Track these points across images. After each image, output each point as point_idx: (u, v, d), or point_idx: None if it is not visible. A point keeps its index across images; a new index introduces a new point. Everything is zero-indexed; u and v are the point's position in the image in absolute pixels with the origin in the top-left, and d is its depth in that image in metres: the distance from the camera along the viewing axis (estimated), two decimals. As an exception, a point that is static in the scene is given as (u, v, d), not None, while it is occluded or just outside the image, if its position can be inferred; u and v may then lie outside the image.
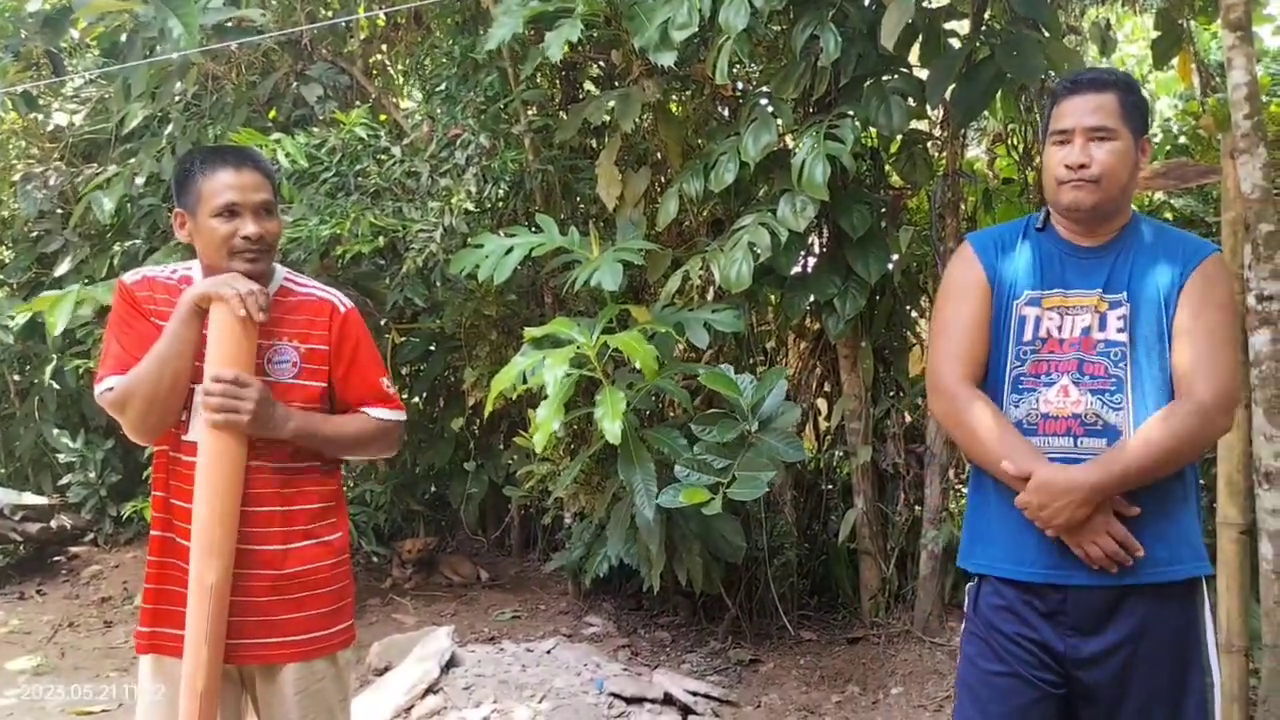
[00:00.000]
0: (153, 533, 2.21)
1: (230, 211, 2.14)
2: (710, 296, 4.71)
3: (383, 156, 4.74)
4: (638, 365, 3.85)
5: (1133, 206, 2.15)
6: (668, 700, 3.97)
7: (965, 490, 4.79)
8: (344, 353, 2.24)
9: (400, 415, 2.32)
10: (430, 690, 3.87)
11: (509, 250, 4.24)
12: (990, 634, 2.05)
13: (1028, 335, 2.06)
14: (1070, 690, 2.01)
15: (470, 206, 4.54)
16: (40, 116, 6.29)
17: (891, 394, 4.99)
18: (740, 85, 5.07)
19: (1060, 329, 2.04)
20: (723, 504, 3.76)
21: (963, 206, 4.73)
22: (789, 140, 4.58)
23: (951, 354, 2.09)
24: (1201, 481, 2.14)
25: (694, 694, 4.05)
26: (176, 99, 5.57)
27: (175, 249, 5.07)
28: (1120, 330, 2.00)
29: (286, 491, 2.17)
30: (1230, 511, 3.33)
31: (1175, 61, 4.78)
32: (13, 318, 5.52)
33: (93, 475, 6.29)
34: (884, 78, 4.26)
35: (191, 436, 2.14)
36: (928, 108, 4.51)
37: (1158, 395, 1.97)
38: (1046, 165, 2.08)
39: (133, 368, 2.11)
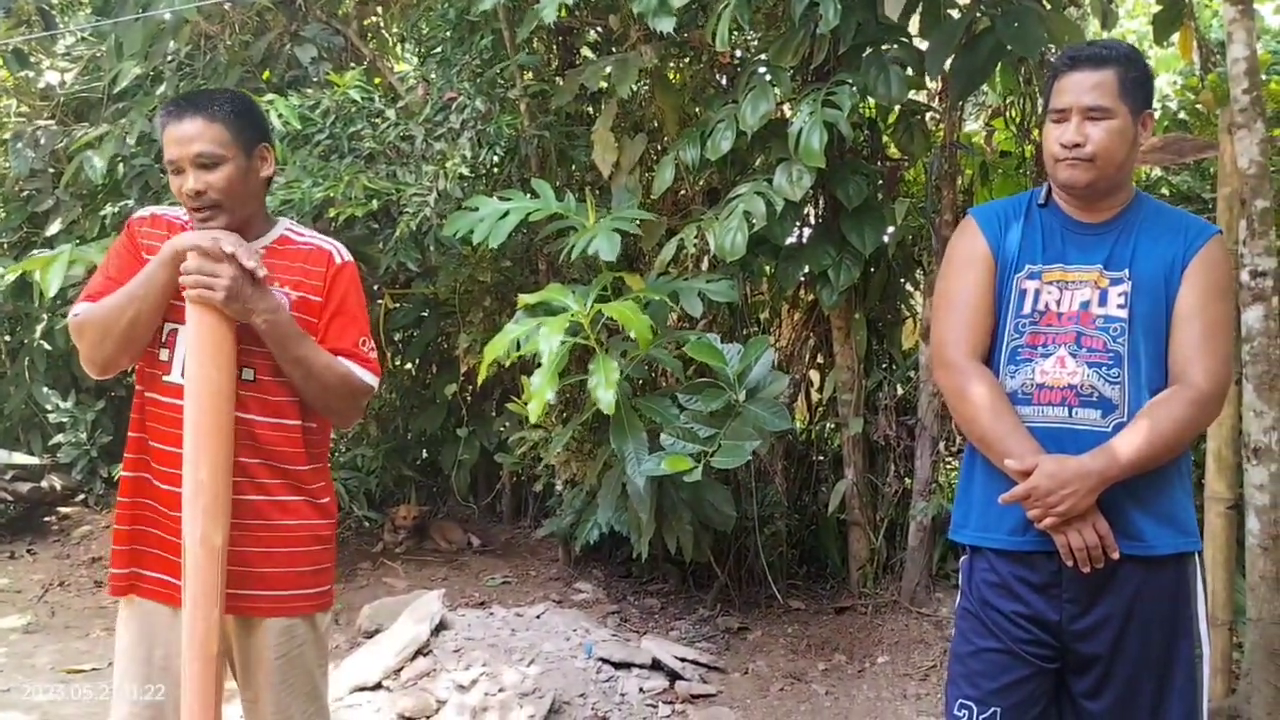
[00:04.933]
0: (124, 473, 2.16)
1: (175, 168, 2.09)
2: (705, 266, 4.69)
3: (377, 119, 4.69)
4: (632, 334, 3.84)
5: (1134, 184, 2.15)
6: (655, 665, 4.00)
7: (955, 463, 4.84)
8: (331, 301, 2.19)
9: (372, 379, 2.20)
10: (420, 652, 3.90)
11: (504, 214, 4.21)
12: (984, 610, 2.07)
13: (1026, 308, 2.06)
14: (1064, 663, 2.03)
15: (465, 171, 4.51)
16: (31, 74, 6.23)
17: (884, 366, 5.00)
18: (739, 53, 5.02)
19: (1059, 303, 2.04)
20: (707, 472, 3.76)
21: (959, 179, 4.72)
22: (787, 109, 4.55)
23: (958, 328, 2.10)
24: (1192, 457, 2.15)
25: (682, 660, 4.08)
26: (169, 58, 5.51)
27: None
28: (1121, 307, 2.00)
29: (275, 448, 2.14)
30: (1219, 487, 3.35)
31: (1176, 37, 4.76)
32: (1, 276, 5.48)
33: (83, 436, 6.29)
34: (883, 47, 4.23)
35: (174, 378, 2.11)
36: (927, 78, 4.49)
37: (1153, 372, 1.99)
38: (1045, 142, 2.08)
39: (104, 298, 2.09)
